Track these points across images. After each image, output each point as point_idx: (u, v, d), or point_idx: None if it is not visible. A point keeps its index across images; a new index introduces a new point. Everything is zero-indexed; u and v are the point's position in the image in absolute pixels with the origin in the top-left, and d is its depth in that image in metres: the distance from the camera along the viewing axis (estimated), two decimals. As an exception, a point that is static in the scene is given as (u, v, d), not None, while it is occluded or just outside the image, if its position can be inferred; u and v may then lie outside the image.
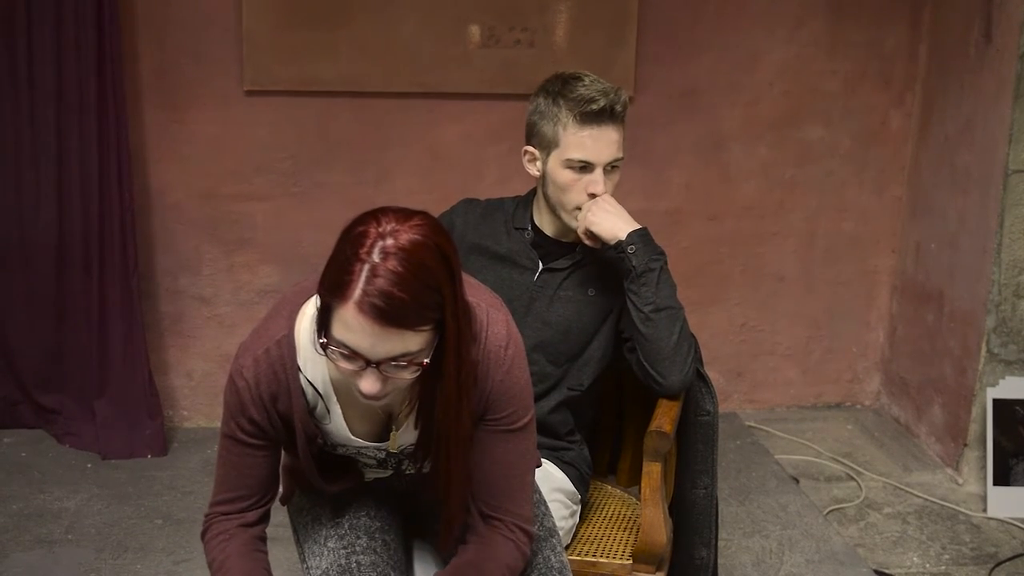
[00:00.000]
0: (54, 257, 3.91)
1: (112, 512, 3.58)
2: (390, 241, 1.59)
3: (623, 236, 2.36)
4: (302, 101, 4.00)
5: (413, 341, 1.62)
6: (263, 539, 1.95)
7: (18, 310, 3.96)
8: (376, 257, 1.58)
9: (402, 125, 4.07)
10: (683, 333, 2.36)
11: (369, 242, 1.59)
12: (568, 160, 2.36)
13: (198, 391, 4.26)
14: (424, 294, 1.59)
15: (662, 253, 2.44)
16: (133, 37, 3.87)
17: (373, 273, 1.57)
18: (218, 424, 4.36)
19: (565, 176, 2.38)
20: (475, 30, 3.98)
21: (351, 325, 1.59)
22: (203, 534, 1.94)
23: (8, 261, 3.92)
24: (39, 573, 3.20)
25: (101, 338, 3.95)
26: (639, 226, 2.38)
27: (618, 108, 2.35)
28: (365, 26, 3.93)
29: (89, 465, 3.91)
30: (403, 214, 1.64)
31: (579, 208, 2.40)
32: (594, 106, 2.32)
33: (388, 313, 1.57)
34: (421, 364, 1.65)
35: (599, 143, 2.35)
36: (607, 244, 2.38)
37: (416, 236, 1.60)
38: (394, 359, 1.62)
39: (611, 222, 2.37)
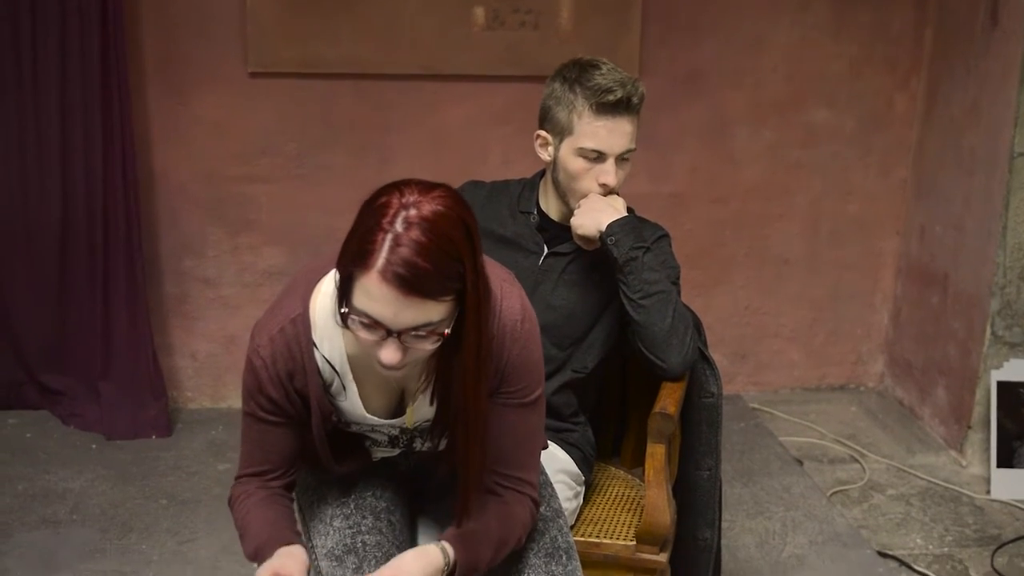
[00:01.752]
0: (58, 239, 3.92)
1: (117, 492, 3.60)
2: (413, 212, 1.59)
3: (604, 228, 2.36)
4: (306, 83, 4.00)
5: (435, 311, 1.63)
6: (286, 495, 1.96)
7: (23, 292, 3.97)
8: (399, 227, 1.58)
9: (406, 107, 4.07)
10: (677, 315, 2.35)
11: (392, 212, 1.60)
12: (581, 149, 2.35)
13: (202, 372, 4.27)
14: (447, 264, 1.60)
15: (661, 236, 2.44)
16: (137, 19, 3.87)
17: (396, 242, 1.58)
18: (222, 405, 4.41)
19: (577, 164, 2.37)
20: (479, 12, 3.97)
21: (373, 294, 1.60)
22: (229, 502, 1.96)
23: (13, 243, 3.92)
24: (44, 553, 3.22)
25: (105, 319, 3.96)
26: (622, 215, 2.38)
27: (635, 100, 2.34)
28: (369, 8, 3.92)
29: (94, 446, 3.92)
30: (425, 186, 1.64)
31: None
32: (611, 97, 2.30)
33: (411, 282, 1.58)
34: (442, 334, 1.66)
35: (613, 134, 2.34)
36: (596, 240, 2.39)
37: (439, 207, 1.61)
38: (415, 329, 1.63)
39: (592, 218, 2.36)
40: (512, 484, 1.91)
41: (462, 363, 1.72)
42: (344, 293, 1.65)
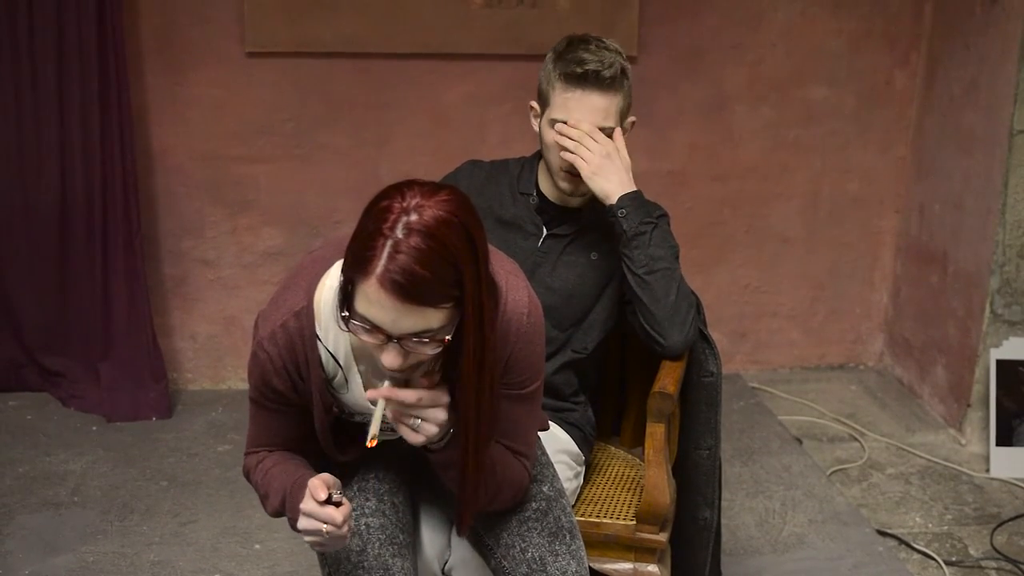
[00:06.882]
0: (57, 220, 3.91)
1: (117, 474, 3.60)
2: (414, 217, 1.58)
3: (614, 200, 2.35)
4: (304, 62, 3.98)
5: (434, 318, 1.62)
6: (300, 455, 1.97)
7: (22, 273, 3.97)
8: (399, 233, 1.57)
9: (404, 86, 4.05)
10: (680, 293, 2.35)
11: (393, 217, 1.59)
12: (552, 120, 2.35)
13: (202, 353, 4.26)
14: (446, 272, 1.59)
15: (662, 215, 2.44)
16: (134, -1, 3.86)
17: (396, 249, 1.57)
18: (222, 386, 4.41)
19: (549, 136, 2.37)
20: (477, -10, 3.96)
21: (373, 300, 1.60)
22: (246, 474, 1.97)
23: (11, 224, 3.91)
24: (45, 535, 3.22)
25: (105, 301, 3.96)
26: (632, 188, 2.37)
27: (604, 74, 2.31)
28: (367, -14, 3.91)
29: (94, 427, 3.92)
30: (429, 189, 1.63)
31: (566, 171, 2.38)
32: (578, 68, 2.30)
33: (409, 290, 1.57)
34: (443, 341, 1.66)
35: (581, 106, 2.32)
36: (586, 192, 2.38)
37: (441, 213, 1.60)
38: (416, 335, 1.63)
39: (602, 181, 2.34)
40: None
41: (463, 370, 1.71)
42: (345, 297, 1.65)
